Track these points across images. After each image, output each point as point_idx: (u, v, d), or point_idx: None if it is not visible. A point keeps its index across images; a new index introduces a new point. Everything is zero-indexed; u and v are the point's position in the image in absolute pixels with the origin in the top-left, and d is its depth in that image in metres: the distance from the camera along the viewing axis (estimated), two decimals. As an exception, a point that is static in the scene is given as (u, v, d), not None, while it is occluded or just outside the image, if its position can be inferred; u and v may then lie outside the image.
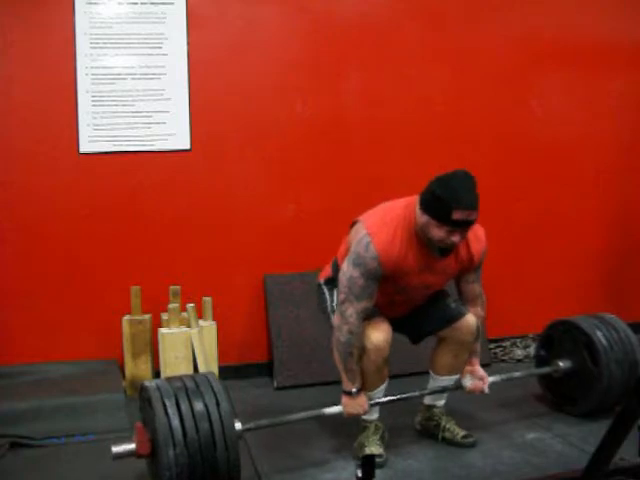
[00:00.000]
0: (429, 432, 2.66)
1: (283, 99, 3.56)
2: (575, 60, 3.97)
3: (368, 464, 1.64)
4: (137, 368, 3.29)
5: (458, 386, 2.56)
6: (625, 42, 4.05)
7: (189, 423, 1.98)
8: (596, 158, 4.04)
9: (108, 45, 3.34)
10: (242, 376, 3.46)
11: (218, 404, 2.05)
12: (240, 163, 3.52)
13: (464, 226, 2.19)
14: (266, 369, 3.53)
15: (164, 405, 2.00)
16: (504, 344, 3.81)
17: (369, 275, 2.25)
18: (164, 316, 3.27)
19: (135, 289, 3.29)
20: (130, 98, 3.38)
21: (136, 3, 3.36)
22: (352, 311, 2.28)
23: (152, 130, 3.41)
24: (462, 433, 2.59)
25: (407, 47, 3.69)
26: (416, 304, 2.52)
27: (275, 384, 3.36)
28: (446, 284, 2.52)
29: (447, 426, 2.61)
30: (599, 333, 2.74)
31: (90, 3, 3.30)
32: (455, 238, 2.19)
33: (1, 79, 3.24)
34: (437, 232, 2.19)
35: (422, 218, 2.22)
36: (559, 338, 2.91)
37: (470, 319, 2.50)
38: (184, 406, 2.01)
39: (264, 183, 3.56)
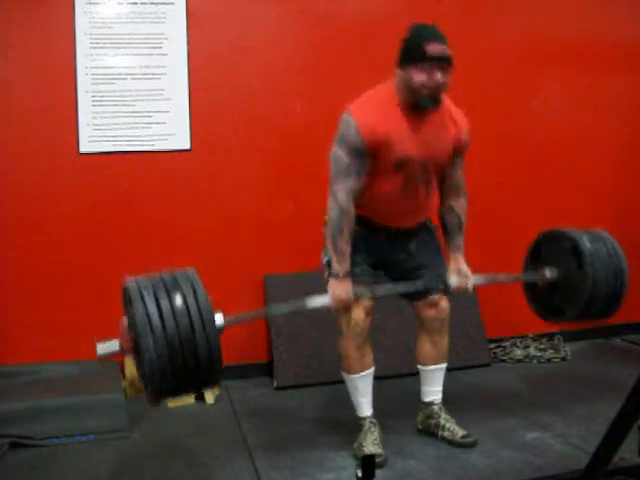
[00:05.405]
0: (429, 431, 2.66)
1: (283, 99, 3.56)
2: (575, 60, 3.96)
3: (368, 464, 1.65)
4: (137, 368, 3.28)
5: (445, 283, 2.54)
6: (625, 41, 4.04)
7: (167, 311, 2.00)
8: (596, 158, 4.03)
9: (108, 45, 3.34)
10: (242, 376, 3.45)
11: (195, 292, 2.10)
12: (240, 163, 3.52)
13: (441, 61, 2.25)
14: (266, 369, 3.53)
15: (142, 296, 2.03)
16: (504, 344, 3.81)
17: (353, 151, 2.32)
18: (164, 316, 3.26)
19: (135, 289, 3.28)
20: (130, 98, 3.38)
21: (136, 3, 3.36)
22: (341, 188, 2.36)
23: (152, 130, 3.41)
24: (462, 433, 2.59)
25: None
26: (420, 202, 2.51)
27: (275, 384, 3.35)
28: (444, 164, 2.49)
29: (447, 425, 2.61)
30: (585, 238, 2.71)
31: (90, 3, 3.30)
32: (437, 76, 2.24)
33: (1, 79, 3.23)
34: (419, 76, 2.25)
35: (402, 75, 2.31)
36: (546, 248, 2.87)
37: (443, 303, 2.59)
38: (161, 295, 2.04)
39: (264, 183, 3.56)
